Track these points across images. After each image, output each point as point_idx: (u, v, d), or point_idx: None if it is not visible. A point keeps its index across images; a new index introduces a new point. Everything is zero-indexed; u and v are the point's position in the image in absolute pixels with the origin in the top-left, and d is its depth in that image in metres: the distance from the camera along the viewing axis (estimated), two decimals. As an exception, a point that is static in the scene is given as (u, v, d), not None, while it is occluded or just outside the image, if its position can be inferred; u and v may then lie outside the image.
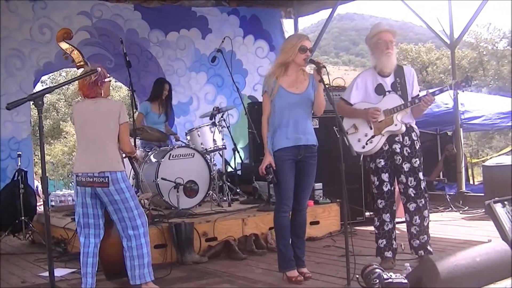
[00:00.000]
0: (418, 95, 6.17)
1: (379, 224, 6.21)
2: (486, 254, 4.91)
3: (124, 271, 5.66)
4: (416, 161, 6.02)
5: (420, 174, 6.03)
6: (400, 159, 6.02)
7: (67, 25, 10.26)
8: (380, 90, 6.09)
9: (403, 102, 5.97)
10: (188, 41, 12.68)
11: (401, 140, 6.04)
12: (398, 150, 6.02)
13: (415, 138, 6.10)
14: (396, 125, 5.97)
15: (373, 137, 6.04)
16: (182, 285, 5.97)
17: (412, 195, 6.02)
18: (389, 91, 6.06)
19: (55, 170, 37.07)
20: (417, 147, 6.08)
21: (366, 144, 6.06)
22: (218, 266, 6.75)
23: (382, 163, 6.07)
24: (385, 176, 6.09)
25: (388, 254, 6.16)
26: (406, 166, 6.01)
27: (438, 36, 11.83)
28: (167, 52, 12.43)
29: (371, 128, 6.06)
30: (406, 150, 6.03)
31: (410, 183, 6.01)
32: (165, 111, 10.00)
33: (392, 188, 6.16)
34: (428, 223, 6.14)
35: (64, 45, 6.29)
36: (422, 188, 6.04)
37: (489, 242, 5.19)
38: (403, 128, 6.00)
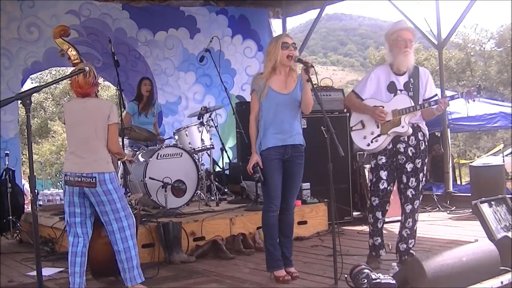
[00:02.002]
0: (435, 95, 6.09)
1: (373, 221, 6.15)
2: (473, 254, 4.95)
3: (111, 270, 5.66)
4: (419, 162, 5.97)
5: (421, 175, 6.00)
6: (403, 158, 5.97)
7: (55, 24, 10.17)
8: (392, 88, 6.01)
9: (412, 104, 5.89)
10: (176, 41, 12.66)
11: (406, 140, 5.98)
12: (402, 150, 5.97)
13: (421, 138, 6.04)
14: (403, 127, 5.90)
15: (379, 136, 5.97)
16: (169, 285, 5.96)
17: (411, 196, 5.99)
18: (401, 90, 5.99)
19: (43, 169, 36.89)
20: (422, 148, 6.02)
21: (372, 142, 6.00)
22: (205, 266, 6.76)
23: (383, 160, 6.01)
24: (383, 174, 6.03)
25: (383, 252, 6.18)
26: (409, 167, 5.96)
27: (426, 37, 11.86)
28: (155, 51, 12.40)
29: (378, 127, 5.99)
30: (411, 150, 5.97)
31: (411, 183, 5.97)
32: (147, 109, 10.00)
33: (389, 188, 6.10)
34: (416, 227, 6.16)
35: (61, 42, 6.28)
36: (420, 189, 6.03)
37: (476, 242, 5.22)
38: (410, 131, 5.92)
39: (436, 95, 6.13)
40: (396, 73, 6.04)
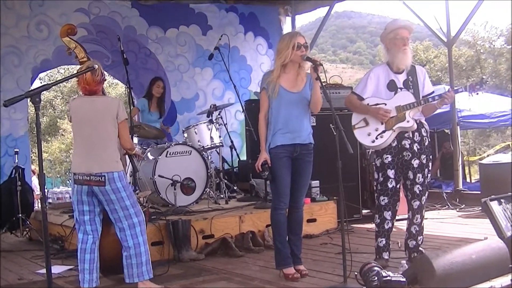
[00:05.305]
0: (433, 92, 6.10)
1: (379, 221, 6.13)
2: (482, 252, 4.92)
3: (120, 267, 5.66)
4: (425, 157, 5.98)
5: (426, 171, 6.00)
6: (409, 155, 5.95)
7: (64, 22, 10.20)
8: (392, 86, 6.01)
9: (415, 100, 5.92)
10: (188, 38, 12.69)
11: (411, 136, 5.97)
12: (407, 146, 5.95)
13: (424, 134, 6.04)
14: (408, 121, 5.90)
15: (383, 132, 5.94)
16: (179, 282, 5.96)
17: (418, 192, 5.98)
18: (401, 88, 5.99)
19: (52, 167, 37.03)
20: (426, 143, 6.03)
21: (376, 138, 5.97)
22: (215, 263, 6.76)
23: (389, 159, 5.98)
24: (391, 173, 6.00)
25: (385, 255, 6.12)
26: (415, 163, 5.95)
27: (435, 34, 11.85)
28: (166, 48, 12.43)
29: (382, 123, 5.96)
30: (416, 146, 5.96)
31: (418, 179, 5.96)
32: (159, 109, 10.02)
33: (398, 186, 6.08)
34: (423, 224, 6.16)
35: (67, 41, 6.30)
36: (426, 185, 6.02)
37: (485, 239, 5.20)
38: (415, 126, 5.92)
39: (433, 92, 6.13)
40: (395, 72, 6.05)
